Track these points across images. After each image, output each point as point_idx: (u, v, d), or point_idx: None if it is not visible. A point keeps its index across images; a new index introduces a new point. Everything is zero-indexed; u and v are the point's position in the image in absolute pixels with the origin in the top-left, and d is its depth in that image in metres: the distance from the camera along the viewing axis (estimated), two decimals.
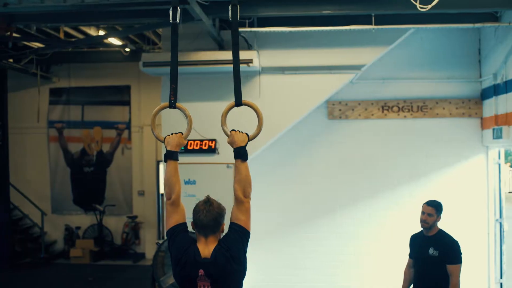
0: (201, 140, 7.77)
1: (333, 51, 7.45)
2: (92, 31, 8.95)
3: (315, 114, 8.25)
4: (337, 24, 6.84)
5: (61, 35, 8.49)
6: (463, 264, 4.79)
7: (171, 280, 7.57)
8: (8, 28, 7.01)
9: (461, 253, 4.78)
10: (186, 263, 3.06)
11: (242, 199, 3.15)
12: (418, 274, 4.96)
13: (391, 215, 8.18)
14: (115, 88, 11.91)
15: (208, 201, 3.19)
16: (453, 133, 8.12)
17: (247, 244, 3.15)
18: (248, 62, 7.06)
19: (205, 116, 7.79)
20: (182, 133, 3.38)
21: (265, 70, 7.62)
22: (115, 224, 11.93)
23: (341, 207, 8.37)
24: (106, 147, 12.07)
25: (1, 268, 10.67)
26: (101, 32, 8.99)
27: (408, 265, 5.20)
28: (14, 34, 8.70)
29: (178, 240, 3.15)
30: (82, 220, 12.02)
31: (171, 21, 3.50)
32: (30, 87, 11.64)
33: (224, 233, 3.18)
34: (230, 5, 3.46)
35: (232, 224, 3.16)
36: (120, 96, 11.95)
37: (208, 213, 3.10)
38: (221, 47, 7.52)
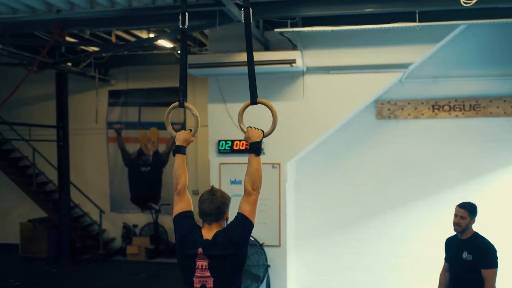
0: (247, 141, 7.80)
1: (379, 50, 7.33)
2: (143, 34, 9.19)
3: (363, 114, 8.15)
4: (381, 22, 6.72)
5: (113, 39, 8.77)
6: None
7: None
8: (62, 33, 7.31)
9: (497, 257, 4.57)
10: (188, 243, 3.24)
11: (250, 191, 3.30)
12: (453, 278, 4.80)
13: (443, 217, 7.85)
14: (170, 90, 12.12)
15: (211, 191, 3.35)
16: (508, 133, 7.78)
17: (249, 234, 3.29)
18: (291, 62, 7.05)
19: (251, 116, 7.85)
20: (191, 130, 3.60)
21: (310, 70, 7.59)
22: (170, 222, 11.99)
23: (390, 208, 8.21)
24: (162, 147, 12.34)
25: (63, 263, 11.16)
26: (151, 35, 9.21)
27: (443, 269, 5.04)
28: (70, 39, 9.09)
29: (183, 225, 3.32)
30: (139, 218, 12.34)
31: (180, 26, 3.61)
32: (89, 90, 12.09)
33: (228, 221, 3.34)
34: (242, 8, 3.58)
35: (238, 214, 3.29)
36: (174, 97, 11.93)
37: (211, 202, 3.27)
38: (266, 48, 7.54)
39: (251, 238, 7.63)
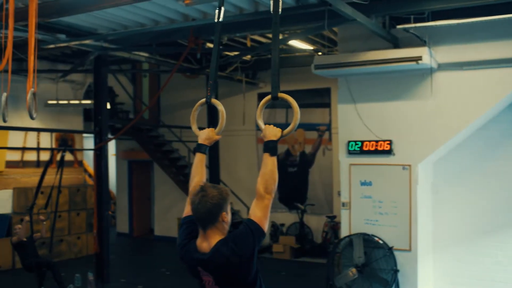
0: (377, 141, 7.65)
1: None
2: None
3: (508, 111, 7.52)
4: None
5: (248, 43, 9.11)
6: None
7: (346, 280, 7.61)
8: (196, 40, 7.81)
9: None
10: (185, 258, 2.99)
11: (263, 194, 2.90)
12: None
13: None
14: (316, 91, 12.26)
15: (202, 190, 2.90)
16: None
17: (259, 244, 2.89)
18: (417, 59, 6.72)
19: (380, 116, 7.68)
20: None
21: (442, 67, 7.18)
22: (316, 222, 12.29)
23: None
24: (308, 148, 12.51)
25: None
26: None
27: None
28: (211, 45, 9.65)
29: (181, 232, 3.09)
30: (286, 217, 12.63)
31: (215, 20, 3.54)
32: (238, 93, 12.69)
33: (228, 222, 2.96)
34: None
35: (247, 220, 2.90)
36: (320, 98, 12.29)
37: (200, 204, 2.85)
38: (396, 45, 7.32)
39: (379, 240, 7.50)
